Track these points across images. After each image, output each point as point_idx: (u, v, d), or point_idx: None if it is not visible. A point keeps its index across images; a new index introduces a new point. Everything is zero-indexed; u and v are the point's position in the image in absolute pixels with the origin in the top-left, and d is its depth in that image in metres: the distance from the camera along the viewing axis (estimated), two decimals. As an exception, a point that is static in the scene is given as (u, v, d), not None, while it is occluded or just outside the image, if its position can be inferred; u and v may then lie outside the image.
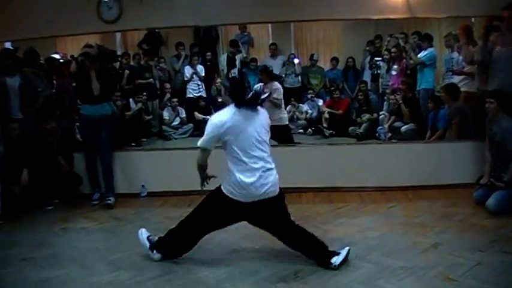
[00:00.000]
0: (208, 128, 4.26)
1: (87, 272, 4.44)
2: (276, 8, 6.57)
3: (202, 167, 4.46)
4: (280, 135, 7.13)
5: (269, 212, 4.36)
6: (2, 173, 5.96)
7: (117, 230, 5.56)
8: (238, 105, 4.25)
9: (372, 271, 4.20)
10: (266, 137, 4.35)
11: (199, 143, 4.31)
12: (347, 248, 4.40)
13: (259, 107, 4.36)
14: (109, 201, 6.38)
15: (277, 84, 7.58)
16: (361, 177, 6.60)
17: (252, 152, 4.21)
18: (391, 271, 4.18)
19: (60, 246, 5.10)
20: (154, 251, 4.55)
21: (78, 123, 7.12)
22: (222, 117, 4.24)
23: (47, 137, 6.44)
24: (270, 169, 4.29)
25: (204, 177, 4.53)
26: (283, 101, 7.68)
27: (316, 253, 4.38)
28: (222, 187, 4.33)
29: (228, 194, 4.26)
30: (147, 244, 4.61)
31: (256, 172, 4.20)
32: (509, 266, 4.18)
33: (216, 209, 4.37)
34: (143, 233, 4.70)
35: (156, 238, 4.63)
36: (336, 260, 4.26)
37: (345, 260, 4.32)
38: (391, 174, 6.58)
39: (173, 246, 4.55)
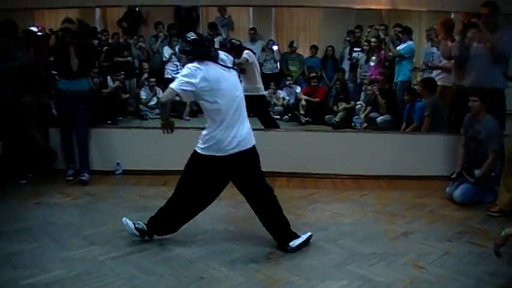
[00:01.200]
0: (191, 73, 4.08)
1: (59, 246, 4.45)
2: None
3: (166, 104, 4.22)
4: (256, 106, 7.20)
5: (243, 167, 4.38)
6: (-24, 145, 5.90)
7: (91, 206, 5.55)
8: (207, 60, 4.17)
9: (343, 256, 4.28)
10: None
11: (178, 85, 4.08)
12: (309, 233, 4.50)
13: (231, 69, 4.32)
14: (83, 178, 6.36)
15: (247, 53, 7.54)
16: (335, 164, 6.67)
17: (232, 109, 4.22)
18: (361, 257, 4.27)
19: (33, 220, 5.07)
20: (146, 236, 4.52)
21: (54, 98, 7.05)
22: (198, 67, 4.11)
23: (23, 110, 6.37)
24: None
25: (168, 122, 4.32)
26: (258, 69, 7.70)
27: (279, 228, 4.43)
28: (197, 149, 4.30)
29: (203, 153, 4.24)
30: (136, 233, 4.48)
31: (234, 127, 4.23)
32: (475, 256, 4.31)
33: (196, 171, 4.35)
34: (128, 224, 4.48)
35: (142, 224, 4.49)
36: (293, 242, 4.35)
37: (304, 244, 4.41)
38: (365, 163, 6.66)
39: (167, 222, 4.51)
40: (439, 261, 4.21)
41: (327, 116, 8.79)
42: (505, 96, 6.10)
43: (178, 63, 9.26)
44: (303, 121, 8.88)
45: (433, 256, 4.30)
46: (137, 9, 9.13)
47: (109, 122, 7.90)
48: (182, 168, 5.98)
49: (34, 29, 7.92)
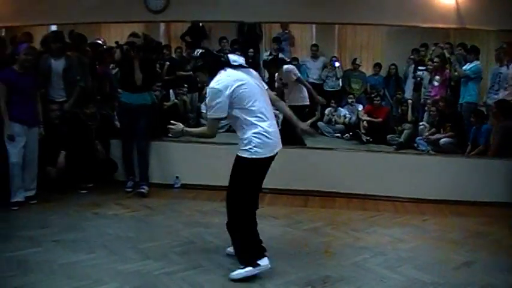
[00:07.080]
0: (214, 97, 4.01)
1: (115, 258, 4.46)
2: (322, 9, 6.50)
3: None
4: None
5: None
6: (40, 154, 6.02)
7: (148, 219, 5.57)
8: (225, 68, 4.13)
9: (402, 284, 4.12)
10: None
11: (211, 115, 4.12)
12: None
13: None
14: (142, 190, 6.40)
15: (288, 67, 7.53)
16: (396, 186, 6.49)
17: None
18: (421, 285, 4.10)
19: (90, 231, 5.13)
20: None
21: (117, 110, 7.15)
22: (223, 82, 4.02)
23: (86, 121, 6.50)
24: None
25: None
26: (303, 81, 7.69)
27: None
28: (242, 156, 4.15)
29: (253, 157, 4.09)
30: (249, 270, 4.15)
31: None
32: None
33: (249, 177, 4.27)
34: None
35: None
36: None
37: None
38: (427, 187, 6.45)
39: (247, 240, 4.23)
40: (503, 294, 4.02)
41: (389, 136, 8.62)
42: None
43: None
44: (364, 140, 8.73)
45: (497, 289, 4.10)
46: (201, 24, 9.19)
47: (170, 135, 7.90)
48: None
49: (99, 42, 8.13)
